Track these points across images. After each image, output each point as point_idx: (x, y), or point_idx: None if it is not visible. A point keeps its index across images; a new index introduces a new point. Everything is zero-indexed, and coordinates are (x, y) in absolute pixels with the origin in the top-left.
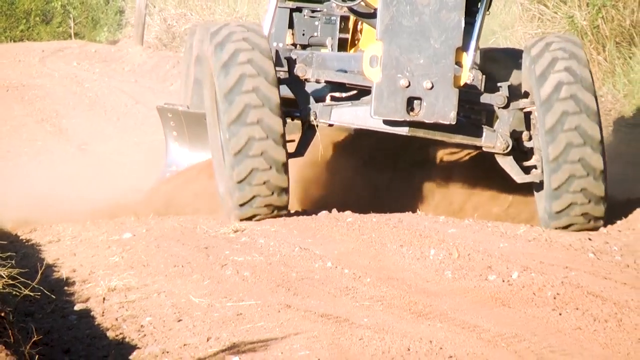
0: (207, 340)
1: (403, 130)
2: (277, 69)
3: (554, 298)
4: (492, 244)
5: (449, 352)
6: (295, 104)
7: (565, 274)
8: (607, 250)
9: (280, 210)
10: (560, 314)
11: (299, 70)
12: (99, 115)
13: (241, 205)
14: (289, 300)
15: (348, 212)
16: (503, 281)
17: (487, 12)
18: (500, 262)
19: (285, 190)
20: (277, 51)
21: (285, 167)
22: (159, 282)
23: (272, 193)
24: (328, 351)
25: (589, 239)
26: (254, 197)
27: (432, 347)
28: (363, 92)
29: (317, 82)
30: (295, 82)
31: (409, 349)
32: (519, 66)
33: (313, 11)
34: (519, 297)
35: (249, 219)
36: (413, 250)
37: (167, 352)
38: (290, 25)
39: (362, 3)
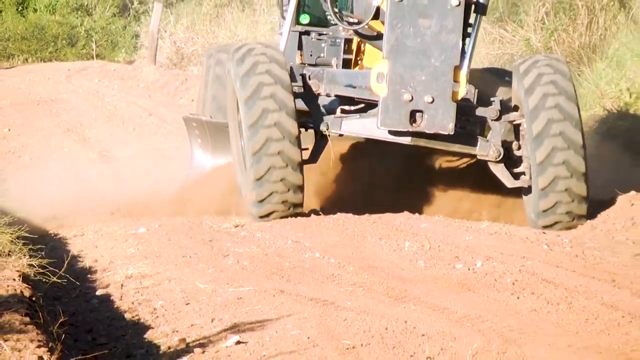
0: (212, 321)
1: (406, 140)
2: (293, 84)
3: (513, 284)
4: (459, 237)
5: (421, 331)
6: (309, 116)
7: (523, 263)
8: (559, 242)
9: (295, 208)
10: (518, 298)
11: (313, 85)
12: (117, 125)
13: (260, 201)
14: (283, 286)
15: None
16: (468, 269)
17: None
18: (466, 252)
19: (300, 188)
20: (291, 67)
21: (300, 167)
22: (170, 271)
23: (288, 190)
24: (316, 330)
25: (543, 233)
26: (271, 193)
27: (407, 327)
28: (370, 105)
29: (328, 95)
30: (309, 96)
31: (386, 328)
32: (504, 83)
33: (320, 34)
34: (482, 283)
35: (267, 216)
36: (390, 242)
37: (177, 332)
38: (300, 46)
39: (366, 26)
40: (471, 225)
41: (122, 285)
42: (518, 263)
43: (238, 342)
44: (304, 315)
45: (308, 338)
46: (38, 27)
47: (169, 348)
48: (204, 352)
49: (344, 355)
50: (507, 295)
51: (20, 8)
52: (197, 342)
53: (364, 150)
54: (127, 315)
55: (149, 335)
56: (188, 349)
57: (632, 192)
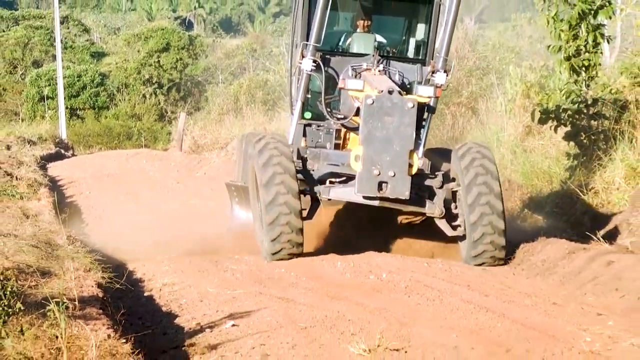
0: (217, 312)
1: (375, 203)
2: (296, 161)
3: (405, 287)
4: (372, 258)
5: (348, 317)
6: (307, 185)
7: (412, 274)
8: (435, 261)
9: (298, 248)
10: (408, 297)
11: (309, 164)
12: (158, 190)
13: (273, 254)
14: (261, 290)
15: None
16: (378, 279)
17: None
18: (376, 268)
19: (300, 245)
20: (298, 149)
21: (301, 231)
22: (190, 280)
23: (293, 246)
24: (282, 317)
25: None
26: (280, 249)
27: (339, 315)
28: (350, 178)
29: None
30: (306, 171)
31: (326, 316)
32: (447, 159)
33: (318, 126)
34: (386, 287)
35: (278, 252)
36: (328, 262)
37: (195, 318)
38: (304, 134)
39: (350, 121)
40: (380, 252)
41: (160, 289)
42: (409, 274)
43: (233, 325)
44: (275, 308)
45: (277, 322)
46: (108, 127)
47: (190, 329)
48: (212, 331)
49: (300, 333)
50: (401, 295)
51: (96, 116)
52: (207, 325)
53: (346, 211)
54: (164, 308)
55: (177, 320)
56: (201, 330)
57: None
